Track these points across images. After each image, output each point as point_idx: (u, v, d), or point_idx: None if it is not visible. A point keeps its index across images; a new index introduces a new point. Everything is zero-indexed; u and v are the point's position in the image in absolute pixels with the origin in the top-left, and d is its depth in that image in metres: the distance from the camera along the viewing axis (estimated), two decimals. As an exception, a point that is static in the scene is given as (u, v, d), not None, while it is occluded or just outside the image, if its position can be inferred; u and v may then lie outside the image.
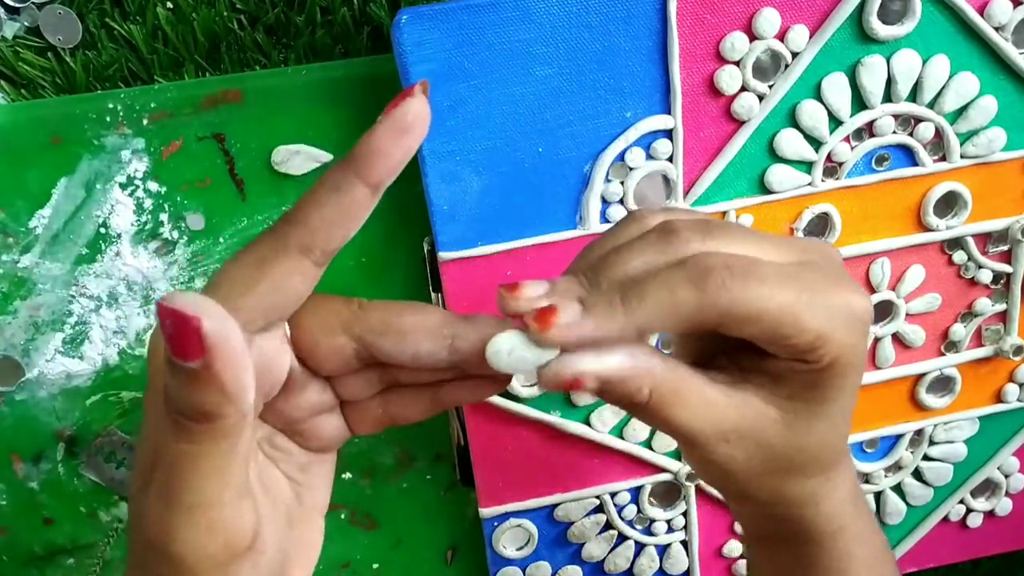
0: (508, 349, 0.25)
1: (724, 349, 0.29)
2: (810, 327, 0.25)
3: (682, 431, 0.27)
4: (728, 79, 0.39)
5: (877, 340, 0.44)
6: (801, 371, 0.26)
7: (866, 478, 0.47)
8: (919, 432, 0.47)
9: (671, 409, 0.26)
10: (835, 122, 0.40)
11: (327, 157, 0.40)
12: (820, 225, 0.42)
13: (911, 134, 0.41)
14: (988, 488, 0.49)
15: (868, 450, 0.47)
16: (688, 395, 0.26)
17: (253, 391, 0.22)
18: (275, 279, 0.24)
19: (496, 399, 0.42)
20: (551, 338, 0.24)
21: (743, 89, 0.39)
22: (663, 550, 0.47)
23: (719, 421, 0.26)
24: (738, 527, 0.47)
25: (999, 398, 0.47)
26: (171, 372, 0.21)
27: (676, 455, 0.45)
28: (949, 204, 0.43)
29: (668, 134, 0.39)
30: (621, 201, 0.40)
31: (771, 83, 0.39)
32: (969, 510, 0.49)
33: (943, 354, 0.46)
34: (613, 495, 0.45)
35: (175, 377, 0.21)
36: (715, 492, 0.46)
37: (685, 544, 0.47)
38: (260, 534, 0.25)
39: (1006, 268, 0.44)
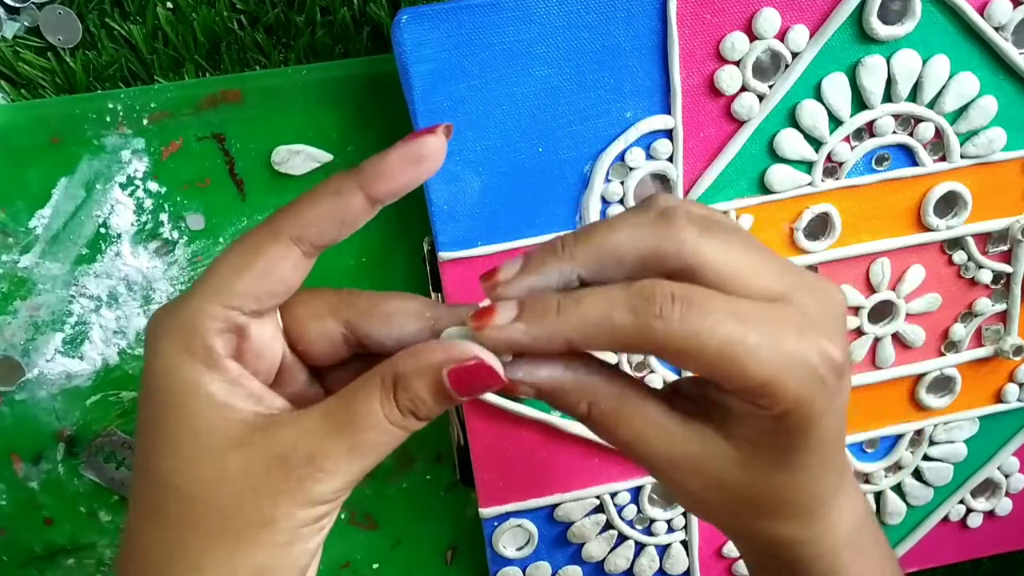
0: (456, 338, 0.26)
1: (698, 378, 0.28)
2: (755, 373, 0.24)
3: (628, 452, 0.27)
4: (728, 79, 0.39)
5: (877, 340, 0.44)
6: (757, 415, 0.25)
7: (866, 478, 0.47)
8: (919, 432, 0.47)
9: (613, 428, 0.26)
10: (835, 122, 0.40)
11: (327, 157, 0.40)
12: (820, 225, 0.42)
13: (911, 134, 0.41)
14: (988, 488, 0.49)
15: (868, 450, 0.47)
16: (633, 416, 0.26)
17: None
18: (266, 263, 0.25)
19: (496, 399, 0.42)
20: (484, 339, 0.25)
21: (743, 89, 0.39)
22: (663, 550, 0.47)
23: (668, 448, 0.26)
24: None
25: (999, 398, 0.47)
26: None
27: (676, 455, 0.45)
28: (949, 204, 0.43)
29: (668, 134, 0.39)
30: (621, 201, 0.40)
31: (771, 83, 0.39)
32: (969, 510, 0.49)
33: (943, 354, 0.46)
34: (613, 495, 0.45)
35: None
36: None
37: (685, 544, 0.47)
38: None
39: (1006, 268, 0.44)
